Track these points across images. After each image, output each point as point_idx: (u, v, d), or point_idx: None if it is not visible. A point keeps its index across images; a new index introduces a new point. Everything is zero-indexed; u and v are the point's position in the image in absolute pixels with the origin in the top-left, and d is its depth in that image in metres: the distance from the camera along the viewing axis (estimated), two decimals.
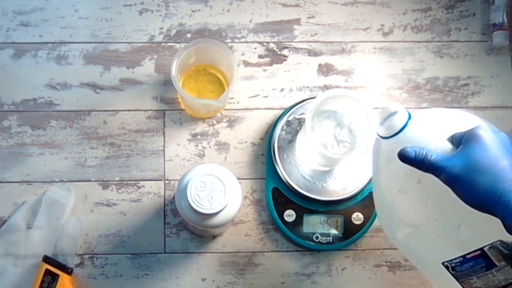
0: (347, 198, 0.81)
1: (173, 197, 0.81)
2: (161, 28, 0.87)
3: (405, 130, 0.61)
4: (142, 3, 0.87)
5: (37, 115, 0.84)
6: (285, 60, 0.87)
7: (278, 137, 0.82)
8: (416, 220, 0.63)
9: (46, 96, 0.85)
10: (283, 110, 0.85)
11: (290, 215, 0.81)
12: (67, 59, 0.86)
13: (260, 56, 0.87)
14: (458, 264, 0.63)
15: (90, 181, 0.83)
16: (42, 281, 0.78)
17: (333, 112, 0.81)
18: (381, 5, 0.89)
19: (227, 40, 0.87)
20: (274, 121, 0.84)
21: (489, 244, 0.61)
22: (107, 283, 0.81)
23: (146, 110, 0.85)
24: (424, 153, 0.58)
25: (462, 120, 0.64)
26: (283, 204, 0.81)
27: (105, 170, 0.83)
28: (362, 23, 0.88)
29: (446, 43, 0.89)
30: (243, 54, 0.87)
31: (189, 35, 0.87)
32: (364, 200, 0.82)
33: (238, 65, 0.85)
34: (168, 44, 0.87)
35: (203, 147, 0.85)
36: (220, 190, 0.69)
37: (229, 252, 0.83)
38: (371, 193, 0.81)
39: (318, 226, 0.82)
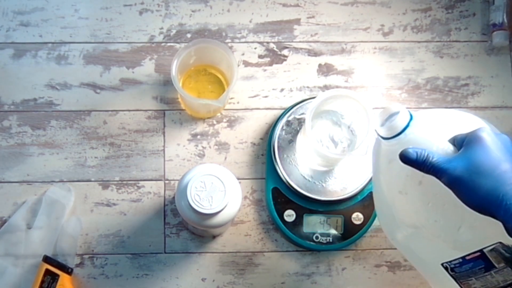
0: (347, 198, 0.81)
1: (173, 197, 0.81)
2: (161, 28, 0.87)
3: (406, 131, 0.61)
4: (142, 3, 0.87)
5: (37, 115, 0.84)
6: (285, 60, 0.87)
7: (278, 137, 0.82)
8: (416, 221, 0.63)
9: (46, 96, 0.85)
10: (283, 110, 0.85)
11: (290, 215, 0.81)
12: (67, 59, 0.86)
13: (260, 56, 0.87)
14: (457, 265, 0.63)
15: (90, 181, 0.83)
16: (42, 281, 0.78)
17: (333, 112, 0.81)
18: (381, 5, 0.89)
19: (227, 40, 0.87)
20: (274, 121, 0.84)
21: (489, 246, 0.60)
22: (107, 283, 0.81)
23: (146, 110, 0.85)
24: (426, 154, 0.58)
25: (464, 121, 0.64)
26: (283, 204, 0.81)
27: (105, 170, 0.83)
28: (362, 23, 0.89)
29: (446, 43, 0.89)
30: (243, 54, 0.87)
31: (189, 35, 0.87)
32: (364, 200, 0.82)
33: (238, 65, 0.85)
34: (168, 44, 0.87)
35: (203, 147, 0.85)
36: (220, 190, 0.69)
37: (229, 252, 0.83)
38: (371, 193, 0.81)
39: (318, 226, 0.82)
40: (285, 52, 0.87)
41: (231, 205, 0.70)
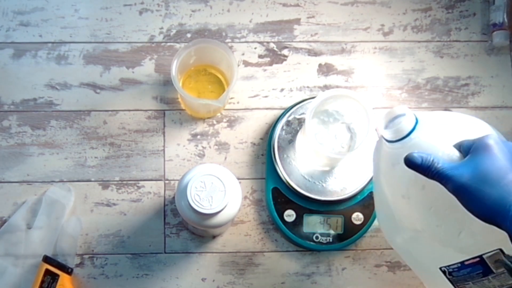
0: (347, 198, 0.81)
1: (173, 197, 0.81)
2: (161, 28, 0.87)
3: (411, 135, 0.60)
4: (142, 3, 0.87)
5: (37, 115, 0.84)
6: (285, 60, 0.87)
7: (278, 137, 0.82)
8: (417, 225, 0.63)
9: (46, 96, 0.85)
10: (283, 110, 0.85)
11: (290, 215, 0.81)
12: (67, 59, 0.86)
13: (260, 56, 0.87)
14: (455, 269, 0.63)
15: (90, 181, 0.83)
16: (42, 281, 0.78)
17: (333, 112, 0.81)
18: (381, 5, 0.89)
19: (227, 40, 0.87)
20: (274, 121, 0.84)
21: (488, 252, 0.60)
22: (107, 283, 0.81)
23: (146, 110, 0.85)
24: (431, 159, 0.56)
25: (470, 126, 0.63)
26: (283, 204, 0.81)
27: (105, 170, 0.83)
28: (362, 23, 0.88)
29: (446, 43, 0.89)
30: (243, 54, 0.87)
31: (189, 35, 0.87)
32: (364, 200, 0.82)
33: (238, 65, 0.85)
34: (168, 44, 0.87)
35: (203, 147, 0.85)
36: (220, 190, 0.69)
37: (229, 252, 0.83)
38: (371, 193, 0.81)
39: (318, 226, 0.82)
40: (285, 52, 0.87)
41: (231, 205, 0.70)
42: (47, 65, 0.85)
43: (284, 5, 0.88)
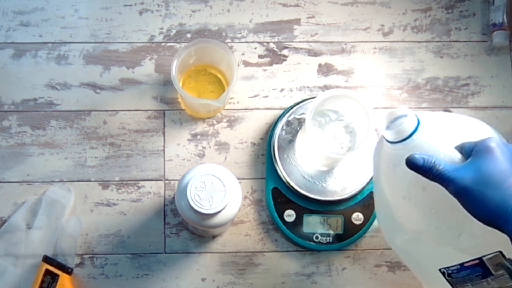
0: (347, 198, 0.81)
1: (173, 197, 0.81)
2: (161, 28, 0.87)
3: (413, 136, 0.59)
4: (142, 3, 0.87)
5: (37, 115, 0.84)
6: (285, 60, 0.87)
7: (278, 137, 0.82)
8: (418, 227, 0.63)
9: (46, 96, 0.85)
10: (283, 110, 0.85)
11: (290, 215, 0.81)
12: (67, 59, 0.86)
13: (260, 56, 0.87)
14: (455, 271, 0.63)
15: (90, 181, 0.83)
16: (42, 281, 0.78)
17: (333, 112, 0.81)
18: (381, 5, 0.89)
19: (227, 40, 0.87)
20: (274, 121, 0.84)
21: (488, 254, 0.60)
22: (107, 283, 0.81)
23: (146, 110, 0.85)
24: (433, 161, 0.56)
25: (471, 127, 0.63)
26: (283, 204, 0.81)
27: (105, 170, 0.83)
28: (362, 23, 0.89)
29: (446, 43, 0.89)
30: (243, 54, 0.87)
31: (189, 35, 0.87)
32: (364, 200, 0.82)
33: (238, 65, 0.85)
34: (168, 44, 0.87)
35: (203, 147, 0.85)
36: (220, 190, 0.69)
37: (229, 252, 0.83)
38: (371, 193, 0.81)
39: (318, 226, 0.82)
40: (285, 52, 0.87)
41: (231, 205, 0.70)
42: (47, 65, 0.85)
43: (284, 5, 0.88)
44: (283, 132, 0.82)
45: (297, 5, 0.88)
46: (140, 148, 0.84)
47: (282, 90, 0.86)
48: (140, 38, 0.87)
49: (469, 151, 0.58)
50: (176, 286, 0.82)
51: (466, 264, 0.62)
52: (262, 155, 0.85)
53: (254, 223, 0.83)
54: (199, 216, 0.70)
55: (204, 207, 0.68)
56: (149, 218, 0.83)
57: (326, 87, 0.87)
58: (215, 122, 0.85)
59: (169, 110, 0.85)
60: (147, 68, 0.86)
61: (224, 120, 0.85)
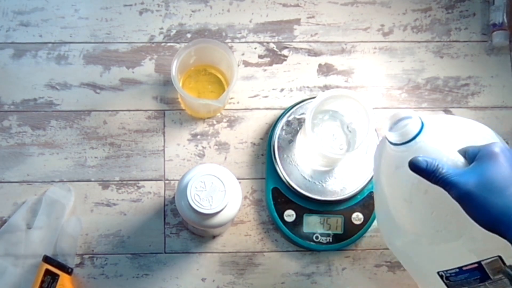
0: (347, 198, 0.81)
1: (173, 197, 0.81)
2: (161, 28, 0.87)
3: (417, 139, 0.59)
4: (142, 3, 0.87)
5: (37, 115, 0.84)
6: (285, 60, 0.87)
7: (278, 137, 0.82)
8: (418, 229, 0.63)
9: (46, 96, 0.85)
10: (283, 110, 0.85)
11: (290, 215, 0.81)
12: (67, 59, 0.86)
13: (260, 56, 0.87)
14: (453, 274, 0.63)
15: (90, 181, 0.83)
16: (42, 281, 0.78)
17: (333, 112, 0.81)
18: (381, 5, 0.89)
19: (227, 40, 0.87)
20: (274, 121, 0.84)
21: (487, 259, 0.60)
22: (107, 283, 0.81)
23: (146, 110, 0.85)
24: (436, 164, 0.56)
25: (475, 131, 0.63)
26: (283, 204, 0.81)
27: (105, 170, 0.83)
28: (362, 23, 0.89)
29: (446, 43, 0.89)
30: (243, 54, 0.87)
31: (189, 35, 0.87)
32: (364, 200, 0.82)
33: (238, 65, 0.85)
34: (168, 44, 0.87)
35: (203, 147, 0.85)
36: (220, 190, 0.69)
37: (229, 252, 0.83)
38: (371, 193, 0.81)
39: (318, 226, 0.82)
40: (285, 52, 0.87)
41: (231, 205, 0.70)
42: (47, 65, 0.85)
43: (284, 5, 0.88)
44: (283, 132, 0.82)
45: (297, 5, 0.88)
46: (140, 148, 0.84)
47: (282, 90, 0.86)
48: (140, 38, 0.87)
49: (472, 156, 0.57)
50: (176, 286, 0.82)
51: (464, 268, 0.62)
52: (262, 155, 0.85)
53: (254, 223, 0.83)
54: (199, 216, 0.70)
55: (204, 207, 0.68)
56: (149, 218, 0.83)
57: (326, 87, 0.87)
58: (215, 122, 0.85)
59: (169, 110, 0.85)
60: (147, 68, 0.86)
61: (224, 120, 0.85)
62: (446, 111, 0.87)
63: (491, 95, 0.88)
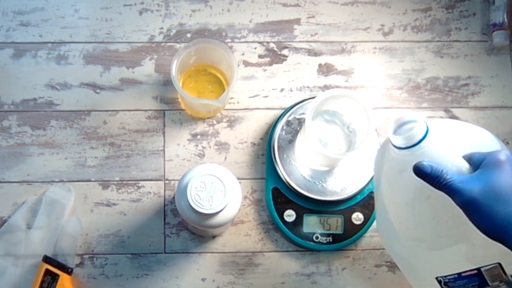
0: (347, 198, 0.81)
1: (173, 197, 0.81)
2: (161, 28, 0.87)
3: (421, 143, 0.59)
4: (142, 3, 0.87)
5: (37, 115, 0.84)
6: (285, 60, 0.87)
7: (278, 137, 0.82)
8: (418, 234, 0.63)
9: (46, 96, 0.85)
10: (283, 110, 0.85)
11: (290, 215, 0.81)
12: (67, 59, 0.86)
13: (260, 56, 0.87)
14: (451, 280, 0.63)
15: (90, 181, 0.83)
16: (42, 281, 0.78)
17: (333, 112, 0.81)
18: (381, 5, 0.89)
19: (227, 40, 0.87)
20: (274, 121, 0.84)
21: (487, 266, 0.60)
22: (107, 283, 0.81)
23: (146, 110, 0.85)
24: (441, 170, 0.56)
25: (479, 137, 0.62)
26: (283, 204, 0.81)
27: (105, 170, 0.83)
28: (362, 23, 0.88)
29: (446, 43, 0.89)
30: (243, 54, 0.87)
31: (189, 35, 0.87)
32: (364, 200, 0.82)
33: (238, 65, 0.85)
34: (168, 44, 0.87)
35: (203, 147, 0.85)
36: (220, 190, 0.69)
37: (229, 252, 0.83)
38: (371, 193, 0.81)
39: (318, 226, 0.82)
40: (285, 52, 0.87)
41: (231, 205, 0.70)
42: (47, 65, 0.85)
43: (284, 5, 0.88)
44: (283, 132, 0.82)
45: (297, 5, 0.88)
46: (140, 148, 0.84)
47: (282, 90, 0.86)
48: (140, 38, 0.87)
49: (478, 163, 0.57)
50: (176, 286, 0.82)
51: (463, 274, 0.62)
52: (262, 155, 0.85)
53: (254, 223, 0.83)
54: (199, 216, 0.70)
55: (204, 207, 0.68)
56: (149, 218, 0.83)
57: (326, 87, 0.87)
58: (215, 122, 0.85)
59: (169, 110, 0.85)
60: (147, 68, 0.86)
61: (224, 120, 0.85)
62: (446, 111, 0.87)
63: (491, 95, 0.88)
